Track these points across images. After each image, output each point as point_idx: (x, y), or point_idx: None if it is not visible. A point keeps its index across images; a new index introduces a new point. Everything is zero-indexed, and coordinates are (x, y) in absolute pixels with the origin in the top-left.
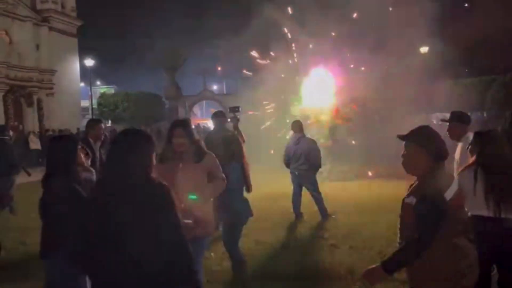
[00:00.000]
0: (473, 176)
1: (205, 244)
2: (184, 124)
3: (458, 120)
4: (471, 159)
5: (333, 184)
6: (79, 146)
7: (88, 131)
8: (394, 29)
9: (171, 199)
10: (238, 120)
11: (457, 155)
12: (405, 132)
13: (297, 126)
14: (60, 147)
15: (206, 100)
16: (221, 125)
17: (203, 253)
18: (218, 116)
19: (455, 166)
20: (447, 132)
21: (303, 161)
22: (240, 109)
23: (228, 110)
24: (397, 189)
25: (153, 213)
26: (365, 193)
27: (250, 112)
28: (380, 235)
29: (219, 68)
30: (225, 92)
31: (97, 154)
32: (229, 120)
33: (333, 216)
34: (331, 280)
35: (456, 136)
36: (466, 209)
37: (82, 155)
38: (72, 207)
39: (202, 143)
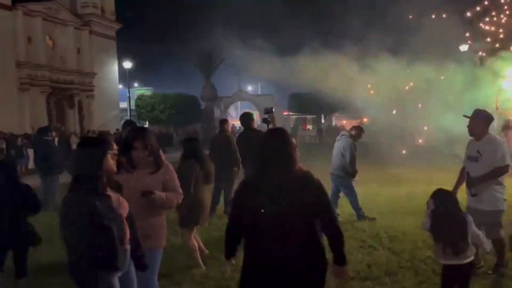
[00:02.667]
0: None
1: (158, 256)
2: (142, 135)
3: (480, 118)
4: None
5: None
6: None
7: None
8: None
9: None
10: (269, 121)
11: (469, 151)
12: None
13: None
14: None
15: (241, 101)
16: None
17: (157, 264)
18: (243, 118)
19: (466, 160)
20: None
21: (338, 165)
22: (273, 110)
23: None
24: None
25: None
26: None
27: (285, 113)
28: (421, 238)
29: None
30: (259, 93)
31: None
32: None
33: (374, 218)
34: (368, 281)
35: (475, 133)
36: None
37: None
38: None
39: (161, 154)
